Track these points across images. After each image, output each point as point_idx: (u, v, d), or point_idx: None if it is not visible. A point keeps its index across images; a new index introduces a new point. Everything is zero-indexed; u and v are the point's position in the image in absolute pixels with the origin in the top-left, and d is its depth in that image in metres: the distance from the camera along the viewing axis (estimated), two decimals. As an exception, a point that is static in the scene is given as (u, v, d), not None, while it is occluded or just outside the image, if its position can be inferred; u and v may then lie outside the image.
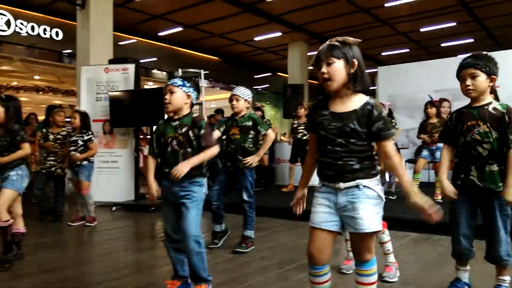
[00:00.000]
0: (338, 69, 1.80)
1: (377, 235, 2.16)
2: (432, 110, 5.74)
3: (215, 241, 3.92)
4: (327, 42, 1.86)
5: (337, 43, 1.83)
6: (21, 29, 12.08)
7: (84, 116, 5.23)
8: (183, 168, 2.40)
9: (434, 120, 5.71)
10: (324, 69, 1.81)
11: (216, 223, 3.95)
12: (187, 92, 2.53)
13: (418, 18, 12.71)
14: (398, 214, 4.74)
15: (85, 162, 5.12)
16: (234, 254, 3.66)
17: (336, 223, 1.86)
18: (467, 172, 2.40)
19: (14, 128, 3.41)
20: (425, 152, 5.86)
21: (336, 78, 1.80)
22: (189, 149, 2.48)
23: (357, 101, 1.83)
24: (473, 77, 2.35)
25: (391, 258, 2.96)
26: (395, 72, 9.57)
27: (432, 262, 3.37)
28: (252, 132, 3.79)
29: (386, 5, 11.61)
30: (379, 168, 1.90)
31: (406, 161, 8.22)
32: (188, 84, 2.55)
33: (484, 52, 2.41)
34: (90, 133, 5.17)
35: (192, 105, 2.61)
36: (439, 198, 5.84)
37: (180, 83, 2.52)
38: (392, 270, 2.91)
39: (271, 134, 3.80)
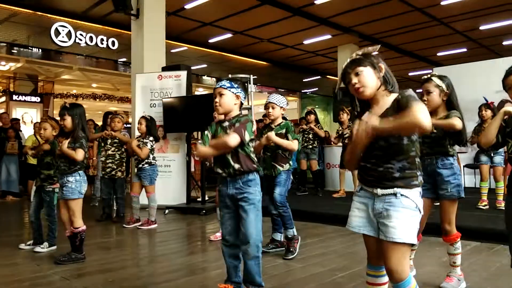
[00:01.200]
0: (367, 76, 1.82)
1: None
2: (487, 113, 5.44)
3: (269, 245, 3.92)
4: (349, 59, 1.89)
5: (358, 56, 1.86)
6: (80, 39, 12.74)
7: (149, 121, 5.41)
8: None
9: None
10: (354, 79, 1.83)
11: (277, 231, 3.97)
12: (236, 93, 2.54)
13: (477, 16, 12.12)
14: (457, 222, 4.52)
15: (146, 165, 5.28)
16: (285, 260, 3.64)
17: (372, 228, 1.83)
18: None
19: (79, 135, 3.63)
20: (483, 158, 5.60)
21: (368, 84, 1.82)
22: (239, 149, 2.48)
23: (389, 100, 1.82)
24: None
25: (457, 270, 2.82)
26: (452, 73, 9.09)
27: (495, 273, 3.18)
28: (285, 139, 3.77)
29: (442, 3, 11.17)
30: (421, 179, 1.81)
31: (464, 166, 7.87)
32: (236, 85, 2.56)
33: None
34: (150, 138, 5.32)
35: (241, 105, 2.62)
36: (502, 205, 5.54)
37: (228, 85, 2.54)
38: (453, 280, 2.78)
39: (294, 145, 3.73)
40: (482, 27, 13.23)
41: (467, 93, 8.38)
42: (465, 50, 15.80)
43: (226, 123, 2.56)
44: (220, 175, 2.55)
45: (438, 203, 2.85)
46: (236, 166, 2.48)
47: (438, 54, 16.04)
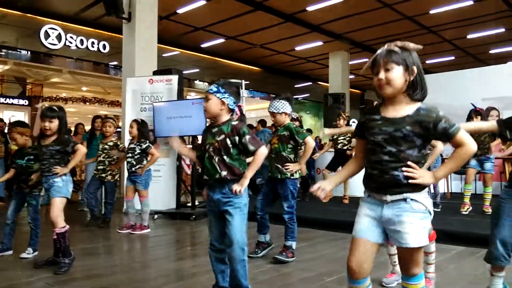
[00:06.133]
0: (396, 76, 1.74)
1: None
2: (477, 119, 5.52)
3: (257, 250, 3.91)
4: (386, 47, 1.79)
5: (396, 48, 1.76)
6: (70, 42, 12.70)
7: (141, 124, 5.37)
8: (241, 187, 2.45)
9: None
10: (382, 75, 1.75)
11: (261, 233, 3.97)
12: (221, 98, 2.52)
13: (465, 25, 12.34)
14: (443, 226, 4.58)
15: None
16: (274, 264, 3.64)
17: (380, 234, 1.81)
18: None
19: (65, 137, 3.58)
20: (473, 162, 5.63)
21: (394, 85, 1.74)
22: (225, 157, 2.48)
23: (410, 108, 1.76)
24: None
25: (432, 268, 2.87)
26: (441, 81, 9.31)
27: (479, 278, 3.20)
28: (291, 142, 3.79)
29: (431, 12, 11.35)
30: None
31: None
32: (223, 90, 2.53)
33: None
34: (147, 141, 5.32)
35: (231, 111, 2.59)
36: (489, 210, 5.60)
37: (215, 89, 2.53)
38: (431, 283, 2.82)
39: (310, 142, 3.77)
40: (469, 36, 13.46)
41: (455, 100, 8.54)
42: (453, 58, 16.04)
43: (216, 129, 2.55)
44: (207, 181, 2.57)
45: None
46: (223, 173, 2.48)
47: (427, 61, 16.25)
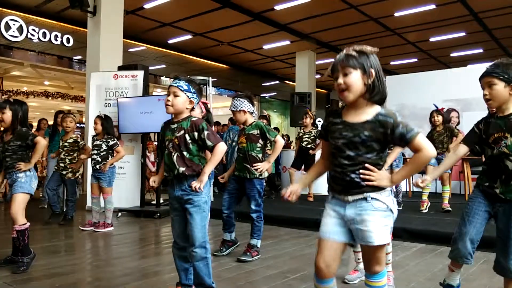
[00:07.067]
0: (355, 80, 1.75)
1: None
2: (438, 118, 5.72)
3: (222, 248, 3.92)
4: (344, 51, 1.80)
5: (353, 53, 1.77)
6: (32, 35, 12.24)
7: (105, 120, 5.25)
8: (200, 183, 2.44)
9: (440, 128, 5.67)
10: (341, 79, 1.77)
11: (226, 231, 3.97)
12: (190, 98, 2.50)
13: (428, 28, 12.69)
14: (404, 224, 4.73)
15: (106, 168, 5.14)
16: (239, 262, 3.66)
17: (346, 234, 1.83)
18: (491, 183, 2.30)
19: (23, 130, 3.47)
20: (432, 160, 5.80)
21: (353, 89, 1.75)
22: (185, 153, 2.46)
23: (370, 112, 1.78)
24: (490, 85, 2.25)
25: (389, 268, 2.94)
26: (404, 82, 9.57)
27: (438, 274, 3.33)
28: (260, 141, 3.80)
29: (395, 14, 11.61)
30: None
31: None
32: (193, 90, 2.51)
33: (506, 59, 2.27)
34: (113, 139, 5.21)
35: (192, 109, 2.58)
36: (447, 207, 5.81)
37: (186, 87, 2.48)
38: (390, 280, 2.90)
39: (280, 140, 3.79)
40: (432, 39, 13.85)
41: (418, 101, 8.81)
42: (416, 60, 16.47)
43: (175, 125, 2.52)
44: (167, 177, 2.55)
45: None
46: (181, 169, 2.46)
47: (391, 63, 16.63)
